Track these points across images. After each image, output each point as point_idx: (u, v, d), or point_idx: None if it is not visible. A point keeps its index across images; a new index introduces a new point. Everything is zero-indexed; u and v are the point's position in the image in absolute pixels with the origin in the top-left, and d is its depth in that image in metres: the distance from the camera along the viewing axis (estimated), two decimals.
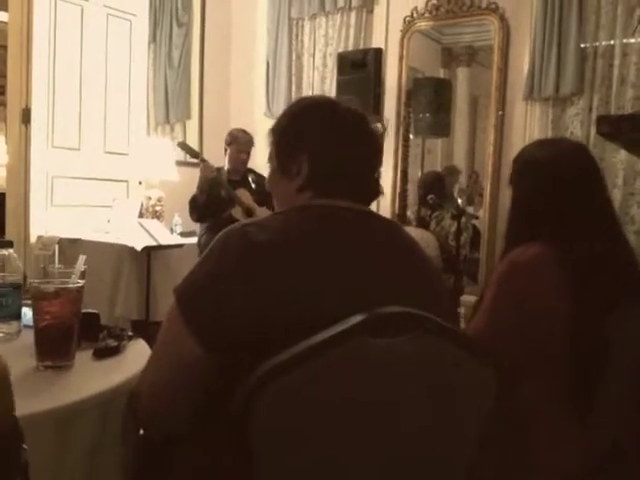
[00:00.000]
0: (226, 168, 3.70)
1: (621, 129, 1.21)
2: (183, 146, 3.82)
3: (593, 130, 3.54)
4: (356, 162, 1.12)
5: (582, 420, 1.28)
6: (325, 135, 1.11)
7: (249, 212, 3.49)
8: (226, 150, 3.72)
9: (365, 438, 0.88)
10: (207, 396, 0.98)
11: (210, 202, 3.50)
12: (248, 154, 3.69)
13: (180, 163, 4.36)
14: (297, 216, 1.05)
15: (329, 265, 0.97)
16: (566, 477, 1.28)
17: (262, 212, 3.35)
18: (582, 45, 3.62)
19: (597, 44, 3.59)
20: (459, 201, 4.30)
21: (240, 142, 3.67)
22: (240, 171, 3.68)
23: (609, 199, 1.43)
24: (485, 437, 0.98)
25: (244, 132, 3.70)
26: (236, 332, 0.92)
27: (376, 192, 1.17)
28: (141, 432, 1.06)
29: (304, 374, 0.83)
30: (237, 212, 3.49)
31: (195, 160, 3.70)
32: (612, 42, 3.55)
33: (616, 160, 3.49)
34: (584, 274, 1.27)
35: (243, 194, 3.55)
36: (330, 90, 4.41)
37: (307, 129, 1.14)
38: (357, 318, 0.86)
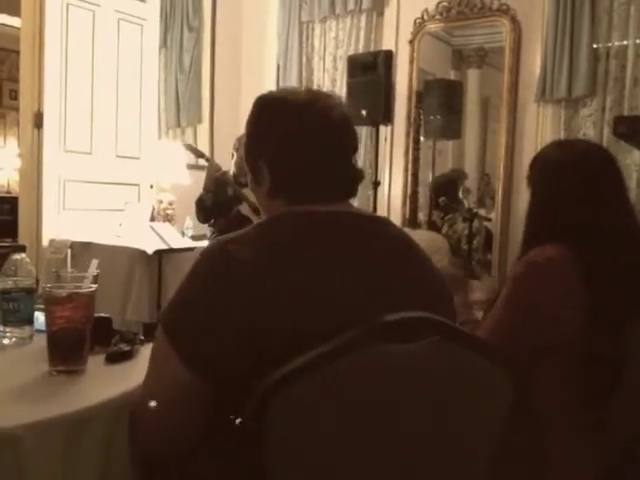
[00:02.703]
0: (232, 172, 3.70)
1: (638, 130, 1.19)
2: (188, 147, 3.84)
3: (606, 131, 3.52)
4: (322, 157, 1.03)
5: (597, 425, 1.26)
6: (277, 135, 1.04)
7: (257, 210, 3.49)
8: (233, 155, 3.72)
9: (380, 445, 0.86)
10: (207, 414, 0.96)
11: (217, 201, 3.50)
12: None
13: (191, 167, 4.36)
14: (275, 227, 1.00)
15: (315, 275, 0.93)
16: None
17: None
18: (594, 46, 3.60)
19: (610, 45, 3.57)
20: (465, 202, 4.27)
21: None
22: (246, 175, 3.66)
23: (629, 200, 1.41)
24: (501, 441, 0.96)
25: None
26: (226, 354, 0.90)
27: (355, 181, 1.08)
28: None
29: (316, 382, 0.81)
30: (244, 208, 3.49)
31: (205, 163, 3.71)
32: (625, 42, 3.53)
33: (629, 162, 3.46)
34: (602, 275, 1.25)
35: (250, 193, 3.55)
36: (340, 93, 4.41)
37: (261, 131, 1.08)
38: (370, 324, 0.84)
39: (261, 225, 1.03)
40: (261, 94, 1.14)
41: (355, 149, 1.10)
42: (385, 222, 1.11)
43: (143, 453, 1.01)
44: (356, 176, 1.09)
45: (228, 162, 3.76)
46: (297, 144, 1.03)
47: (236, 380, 0.89)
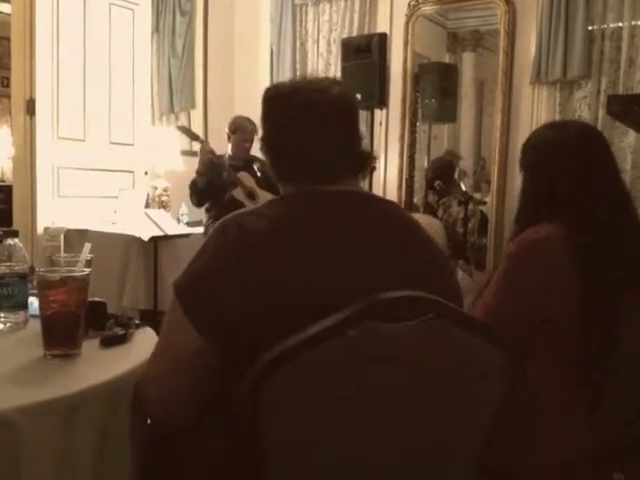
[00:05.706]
0: (228, 154, 3.70)
1: (631, 109, 1.19)
2: (183, 129, 3.84)
3: (601, 113, 3.51)
4: (314, 146, 1.06)
5: (591, 404, 1.27)
6: (269, 127, 1.10)
7: (251, 194, 3.49)
8: (229, 137, 3.71)
9: (375, 423, 0.87)
10: (213, 385, 0.98)
11: (211, 184, 3.50)
12: (252, 142, 3.69)
13: (185, 153, 4.34)
14: (288, 204, 1.05)
15: (322, 251, 0.96)
16: (574, 461, 1.28)
17: (264, 195, 3.35)
18: (589, 27, 3.58)
19: (605, 26, 3.55)
20: (462, 185, 4.26)
21: (245, 131, 3.66)
22: (242, 157, 3.68)
23: (622, 180, 1.42)
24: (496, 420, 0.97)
25: (249, 120, 3.68)
26: (236, 320, 0.92)
27: (359, 165, 1.11)
28: (149, 422, 1.06)
29: (311, 359, 0.82)
30: (239, 193, 3.49)
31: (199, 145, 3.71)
32: (620, 24, 3.51)
33: (624, 144, 3.46)
34: (595, 254, 1.26)
35: (245, 177, 3.54)
36: (335, 76, 4.37)
37: (262, 124, 1.13)
38: (364, 302, 0.85)
39: (275, 201, 1.06)
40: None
41: (351, 129, 1.11)
42: (390, 204, 1.15)
43: (147, 425, 1.03)
44: (358, 160, 1.11)
45: (223, 146, 3.74)
46: (285, 133, 1.08)
47: (243, 350, 0.90)
